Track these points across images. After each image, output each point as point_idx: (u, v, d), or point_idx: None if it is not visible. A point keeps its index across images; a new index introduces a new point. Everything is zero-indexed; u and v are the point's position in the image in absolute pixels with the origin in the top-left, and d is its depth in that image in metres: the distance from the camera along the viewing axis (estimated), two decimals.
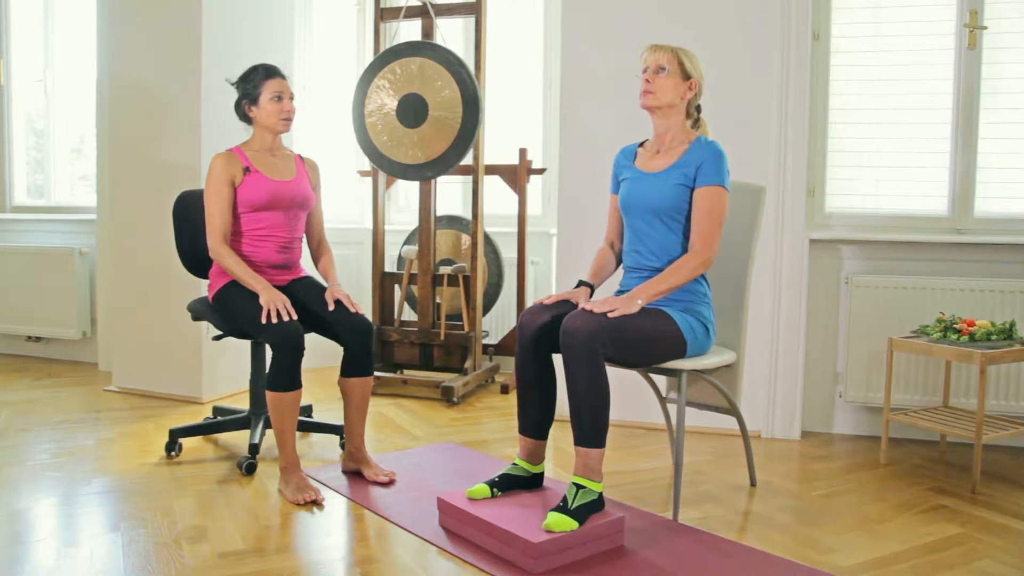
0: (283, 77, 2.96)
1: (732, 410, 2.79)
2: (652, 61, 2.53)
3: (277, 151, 3.01)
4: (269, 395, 2.70)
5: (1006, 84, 3.40)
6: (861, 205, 3.57)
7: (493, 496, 2.43)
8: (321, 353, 4.87)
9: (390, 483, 2.80)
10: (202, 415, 3.62)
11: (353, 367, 2.86)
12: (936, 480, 2.96)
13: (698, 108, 2.62)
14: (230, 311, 2.87)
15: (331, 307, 2.84)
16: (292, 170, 3.00)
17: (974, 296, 3.31)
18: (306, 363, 4.85)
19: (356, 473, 2.88)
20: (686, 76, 2.53)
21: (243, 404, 3.44)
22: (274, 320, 2.67)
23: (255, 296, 2.76)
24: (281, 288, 2.90)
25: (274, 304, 2.70)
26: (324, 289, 2.94)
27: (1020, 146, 3.40)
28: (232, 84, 3.01)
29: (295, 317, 2.72)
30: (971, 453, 3.05)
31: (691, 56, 2.56)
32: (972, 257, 3.39)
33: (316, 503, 2.63)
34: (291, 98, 2.96)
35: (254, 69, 2.96)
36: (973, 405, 3.26)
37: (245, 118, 2.99)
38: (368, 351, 2.86)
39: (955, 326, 3.01)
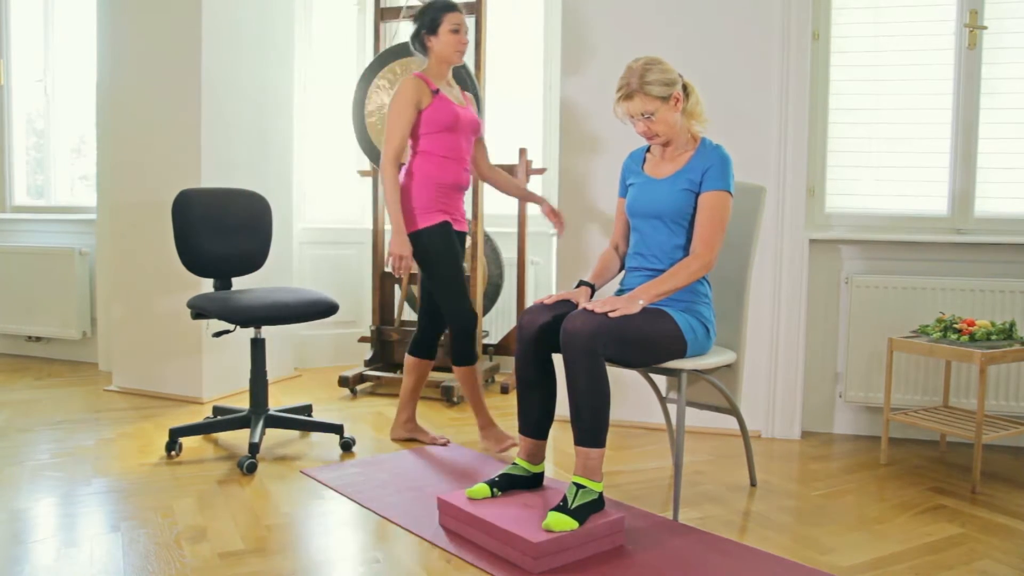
0: (460, 11, 3.11)
1: (732, 410, 2.79)
2: (633, 111, 2.47)
3: (449, 81, 3.18)
4: (456, 369, 3.15)
5: (1006, 84, 3.40)
6: (861, 205, 3.57)
7: (493, 496, 2.43)
8: (321, 353, 4.88)
9: (446, 443, 3.24)
10: (202, 414, 3.62)
11: (454, 356, 3.16)
12: (936, 480, 2.96)
13: (684, 88, 2.54)
14: (431, 263, 3.06)
15: (556, 223, 3.23)
16: (462, 99, 3.20)
17: (974, 296, 3.31)
18: (306, 363, 4.86)
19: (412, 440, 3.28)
20: (667, 98, 2.47)
21: (243, 403, 3.44)
22: (399, 272, 2.99)
23: (451, 268, 3.04)
24: (465, 234, 3.20)
25: (399, 261, 2.98)
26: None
27: (1020, 146, 3.40)
28: (410, 17, 3.20)
29: (405, 279, 2.94)
30: (971, 453, 3.05)
31: (655, 73, 2.44)
32: (972, 257, 3.39)
33: (514, 445, 3.10)
34: (465, 31, 3.10)
35: (433, 1, 3.09)
36: (973, 405, 3.26)
37: (422, 48, 3.12)
38: (464, 342, 3.14)
39: (955, 326, 3.01)
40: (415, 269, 3.13)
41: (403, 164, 3.15)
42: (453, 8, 3.07)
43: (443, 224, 3.07)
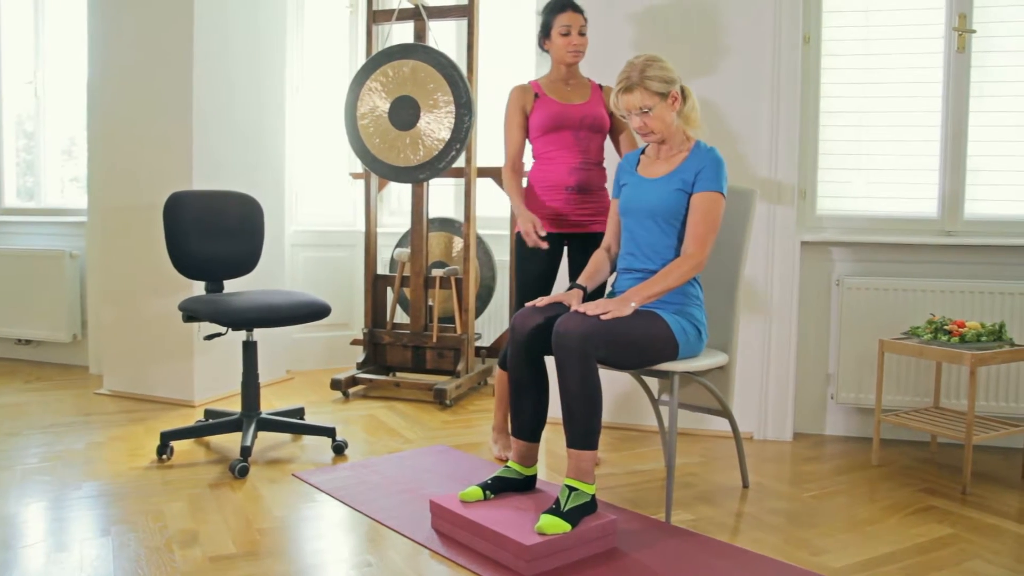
0: (576, 11, 3.01)
1: (724, 412, 2.79)
2: (631, 105, 2.49)
3: (572, 79, 3.09)
4: (498, 370, 3.20)
5: (995, 87, 3.42)
6: (852, 207, 3.58)
7: (486, 499, 2.43)
8: (313, 355, 4.87)
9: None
10: (193, 418, 3.61)
11: (501, 357, 3.12)
12: (927, 481, 2.97)
13: (683, 91, 2.57)
14: (516, 266, 3.11)
15: None
16: (585, 95, 3.08)
17: (964, 297, 3.32)
18: (299, 366, 4.84)
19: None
20: (665, 95, 2.49)
21: (235, 406, 3.43)
22: (530, 243, 2.87)
23: (522, 276, 3.03)
24: (578, 235, 3.05)
25: (528, 231, 2.87)
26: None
27: (1008, 148, 3.42)
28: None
29: (542, 235, 2.86)
30: (961, 454, 3.07)
31: (655, 69, 2.47)
32: (962, 259, 3.41)
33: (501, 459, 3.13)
34: (580, 32, 3.00)
35: (552, 2, 3.03)
36: (963, 406, 3.27)
37: (545, 52, 3.10)
38: None
39: (945, 327, 3.03)
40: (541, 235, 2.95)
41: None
42: (563, 9, 2.99)
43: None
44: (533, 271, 3.02)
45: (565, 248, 3.11)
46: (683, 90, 2.56)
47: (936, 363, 3.28)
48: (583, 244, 3.07)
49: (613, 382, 3.47)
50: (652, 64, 2.48)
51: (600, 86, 3.13)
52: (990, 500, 2.77)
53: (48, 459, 3.07)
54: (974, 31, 3.40)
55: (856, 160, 3.57)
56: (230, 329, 2.99)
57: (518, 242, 3.05)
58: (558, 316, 2.40)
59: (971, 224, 3.46)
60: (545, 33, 3.03)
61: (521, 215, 2.94)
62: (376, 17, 4.25)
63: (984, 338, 2.95)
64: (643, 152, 2.71)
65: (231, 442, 3.29)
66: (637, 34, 3.48)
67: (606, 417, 3.50)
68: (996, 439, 3.14)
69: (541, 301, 2.50)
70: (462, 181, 4.31)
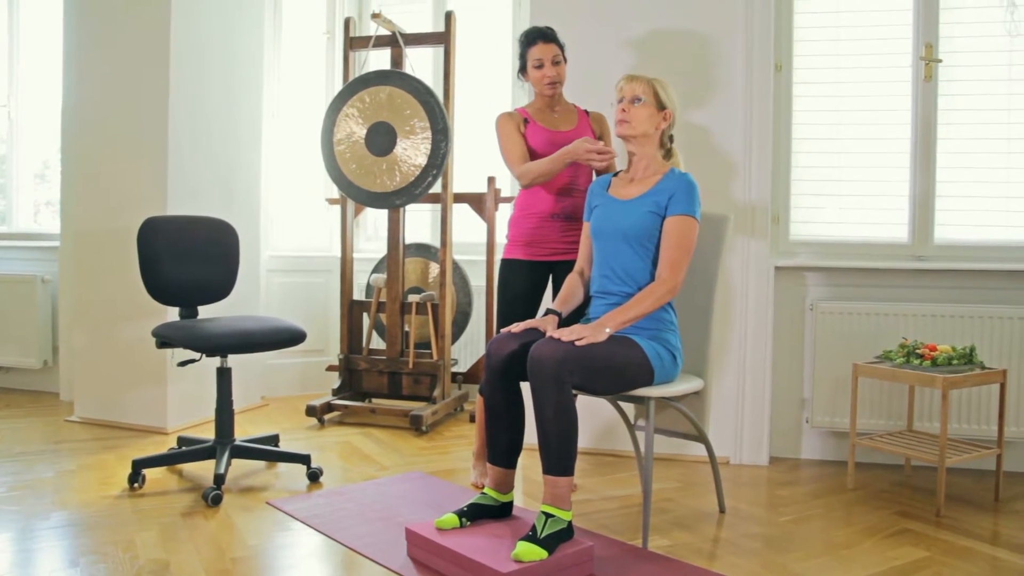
0: (546, 42, 2.98)
1: (700, 437, 2.80)
2: (628, 91, 2.60)
3: (557, 107, 3.09)
4: (479, 396, 2.94)
5: (961, 115, 3.49)
6: (824, 232, 3.63)
7: (462, 526, 2.41)
8: (288, 382, 4.83)
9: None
10: (166, 445, 3.56)
11: (481, 383, 3.08)
12: (901, 504, 2.99)
13: (671, 138, 2.68)
14: (500, 290, 3.04)
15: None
16: (572, 122, 3.08)
17: (935, 321, 3.37)
18: (273, 392, 4.80)
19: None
20: (661, 107, 2.59)
21: (208, 433, 3.39)
22: (598, 160, 2.76)
23: (502, 305, 3.00)
24: (564, 262, 2.99)
25: (585, 152, 2.77)
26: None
27: (976, 175, 3.49)
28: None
29: (609, 151, 2.78)
30: (935, 477, 3.09)
31: (667, 87, 2.62)
32: (932, 283, 3.46)
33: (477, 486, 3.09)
34: (554, 61, 2.98)
35: (524, 34, 3.02)
36: (936, 429, 3.30)
37: (526, 80, 3.10)
38: None
39: (917, 351, 3.06)
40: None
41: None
42: (533, 42, 2.98)
43: (514, 262, 3.02)
44: (516, 295, 3.00)
45: (550, 276, 3.08)
46: (672, 139, 2.69)
47: (909, 386, 3.32)
48: (569, 271, 3.02)
49: (590, 408, 3.48)
50: (666, 82, 2.65)
51: (587, 112, 3.14)
52: (964, 522, 2.79)
53: (16, 488, 3.01)
54: (940, 60, 3.47)
55: (828, 186, 3.62)
56: (204, 355, 2.97)
57: (502, 267, 3.05)
58: (533, 342, 2.40)
59: (941, 249, 3.52)
60: (522, 67, 3.05)
61: (568, 153, 2.81)
62: (353, 44, 4.27)
63: (955, 361, 2.99)
64: (616, 175, 2.74)
65: (204, 470, 3.25)
66: (609, 64, 3.52)
67: (582, 443, 3.50)
68: (969, 461, 3.17)
69: (516, 327, 2.50)
70: (438, 207, 4.32)
